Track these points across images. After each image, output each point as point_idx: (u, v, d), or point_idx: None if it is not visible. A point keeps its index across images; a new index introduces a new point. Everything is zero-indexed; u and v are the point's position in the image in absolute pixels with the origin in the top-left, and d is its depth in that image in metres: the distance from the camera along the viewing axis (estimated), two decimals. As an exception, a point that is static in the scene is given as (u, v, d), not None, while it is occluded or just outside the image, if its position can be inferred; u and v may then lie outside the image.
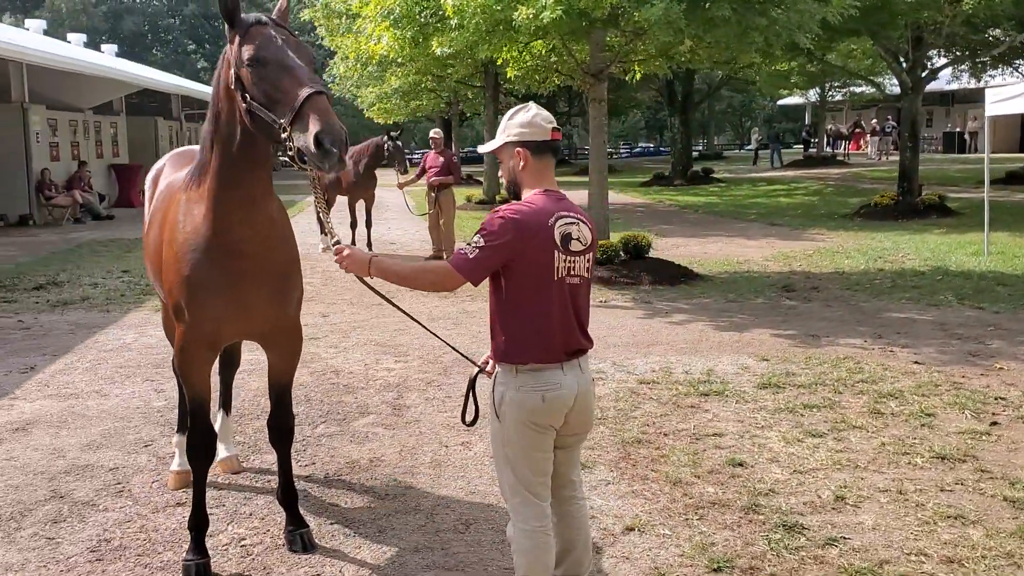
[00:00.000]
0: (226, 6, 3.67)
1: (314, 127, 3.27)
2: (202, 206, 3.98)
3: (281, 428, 4.51)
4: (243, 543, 4.56)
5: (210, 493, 5.13)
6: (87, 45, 36.97)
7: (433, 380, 7.40)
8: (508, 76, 14.06)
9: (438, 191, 14.37)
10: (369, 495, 5.14)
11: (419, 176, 14.81)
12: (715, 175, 35.39)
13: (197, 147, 5.00)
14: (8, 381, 7.54)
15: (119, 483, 5.32)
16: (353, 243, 14.92)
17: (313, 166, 3.37)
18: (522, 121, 3.48)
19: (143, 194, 5.45)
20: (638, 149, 76.59)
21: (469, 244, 3.32)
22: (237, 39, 3.65)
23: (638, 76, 14.68)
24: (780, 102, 54.66)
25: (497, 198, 25.34)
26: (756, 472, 5.38)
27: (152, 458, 5.71)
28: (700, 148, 62.39)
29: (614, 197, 28.38)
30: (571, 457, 3.63)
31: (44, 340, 9.05)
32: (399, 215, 20.65)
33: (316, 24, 19.87)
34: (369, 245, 14.97)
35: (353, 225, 15.11)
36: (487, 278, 3.38)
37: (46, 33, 33.85)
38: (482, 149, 3.74)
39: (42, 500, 5.07)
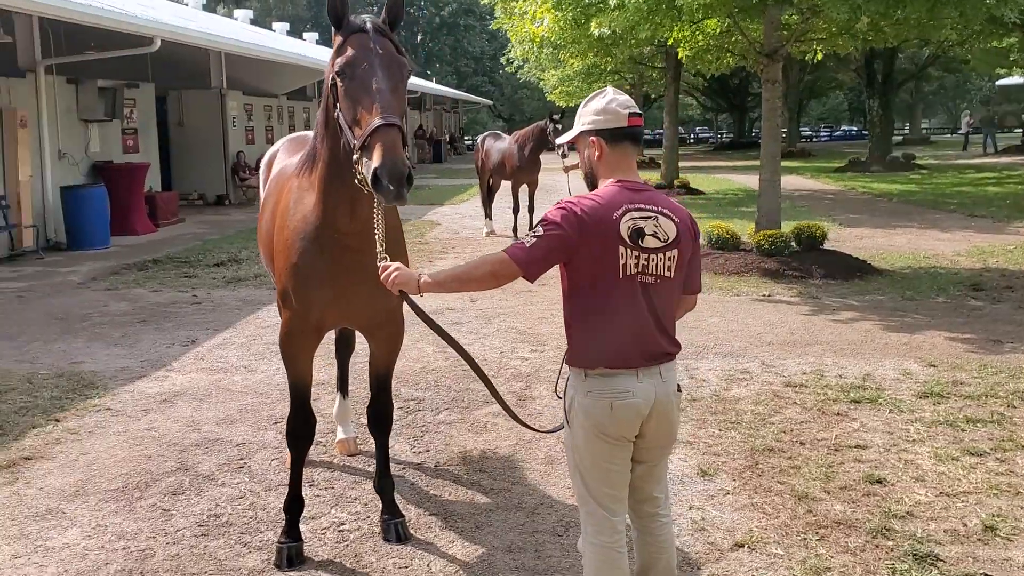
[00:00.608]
0: (334, 8, 3.56)
1: (376, 161, 3.21)
2: (312, 195, 3.96)
3: (380, 417, 4.49)
4: (341, 528, 4.57)
5: (321, 474, 5.21)
6: (290, 33, 39.09)
7: (565, 371, 7.20)
8: (680, 57, 13.54)
9: (603, 176, 14.11)
10: (475, 488, 5.04)
11: (585, 160, 14.57)
12: (917, 161, 33.11)
13: (311, 133, 5.04)
14: (169, 353, 7.99)
15: (242, 459, 5.47)
16: (515, 229, 14.98)
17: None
18: (596, 108, 3.23)
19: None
20: (839, 132, 73.02)
21: (528, 234, 3.12)
22: (338, 43, 3.56)
23: (819, 56, 13.79)
24: (1000, 82, 50.40)
25: (676, 182, 24.72)
26: (896, 491, 4.88)
27: (278, 435, 5.84)
28: (905, 132, 58.60)
29: (803, 183, 27.17)
30: (653, 472, 3.33)
31: (211, 315, 9.55)
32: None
33: (494, 7, 19.94)
34: (531, 229, 14.89)
35: (515, 210, 15.09)
36: (547, 273, 3.17)
37: (252, 22, 35.99)
38: (559, 140, 3.52)
39: (168, 471, 5.29)
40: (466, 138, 57.77)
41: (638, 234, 3.09)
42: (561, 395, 3.44)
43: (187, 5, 34.05)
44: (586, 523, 3.25)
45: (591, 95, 3.31)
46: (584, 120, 3.25)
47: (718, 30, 12.90)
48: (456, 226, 17.45)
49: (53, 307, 10.02)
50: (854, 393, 6.56)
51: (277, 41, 25.46)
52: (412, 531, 4.49)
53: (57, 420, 6.12)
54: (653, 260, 3.12)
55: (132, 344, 8.32)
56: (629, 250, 3.08)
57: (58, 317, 9.47)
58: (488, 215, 15.95)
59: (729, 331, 8.54)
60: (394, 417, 6.02)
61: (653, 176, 27.03)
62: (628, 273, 3.09)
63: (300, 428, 4.30)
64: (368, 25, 3.52)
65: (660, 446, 3.28)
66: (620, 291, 3.10)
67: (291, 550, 4.19)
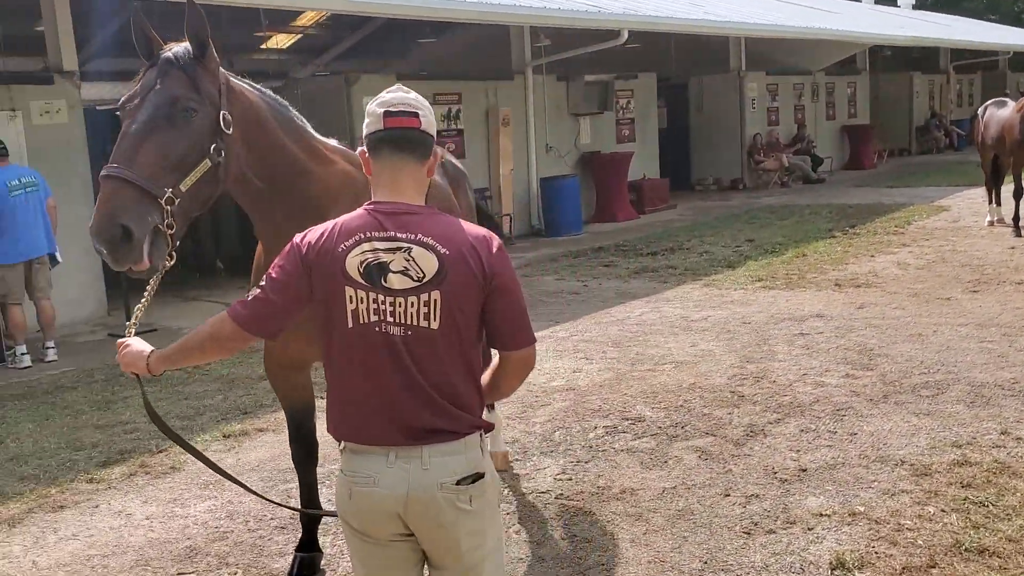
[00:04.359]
0: (140, 43, 3.06)
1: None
2: None
3: None
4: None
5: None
6: (915, 7, 34.99)
7: (846, 407, 5.85)
8: None
9: None
10: (562, 528, 4.45)
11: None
12: None
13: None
14: (492, 342, 8.30)
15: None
16: (1016, 218, 12.18)
17: None
18: (366, 111, 2.57)
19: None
20: None
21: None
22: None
23: None
24: None
25: None
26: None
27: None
28: None
29: None
30: None
31: (572, 306, 9.57)
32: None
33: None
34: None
35: (1017, 194, 12.26)
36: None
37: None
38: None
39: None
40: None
41: (379, 270, 2.42)
42: None
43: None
44: None
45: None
46: None
47: None
48: (966, 212, 14.90)
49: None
50: None
51: (816, 16, 23.79)
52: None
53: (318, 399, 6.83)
54: (400, 305, 2.42)
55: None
56: (362, 291, 2.43)
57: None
58: (991, 200, 13.34)
59: None
60: (581, 436, 5.61)
61: None
62: (362, 321, 2.43)
63: (293, 452, 4.21)
64: (162, 56, 3.03)
65: (447, 552, 2.48)
66: (355, 344, 2.46)
67: (302, 560, 4.20)
